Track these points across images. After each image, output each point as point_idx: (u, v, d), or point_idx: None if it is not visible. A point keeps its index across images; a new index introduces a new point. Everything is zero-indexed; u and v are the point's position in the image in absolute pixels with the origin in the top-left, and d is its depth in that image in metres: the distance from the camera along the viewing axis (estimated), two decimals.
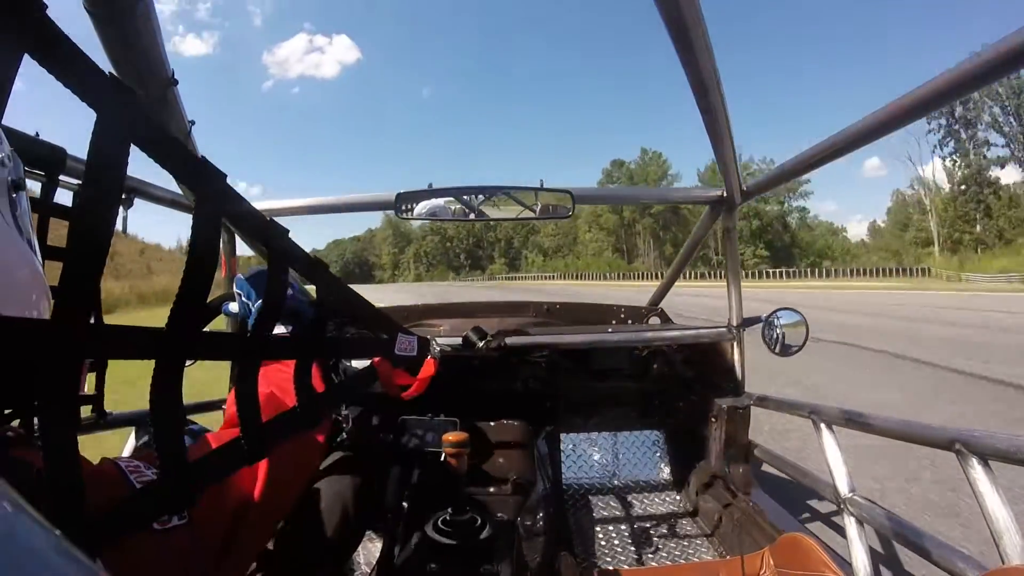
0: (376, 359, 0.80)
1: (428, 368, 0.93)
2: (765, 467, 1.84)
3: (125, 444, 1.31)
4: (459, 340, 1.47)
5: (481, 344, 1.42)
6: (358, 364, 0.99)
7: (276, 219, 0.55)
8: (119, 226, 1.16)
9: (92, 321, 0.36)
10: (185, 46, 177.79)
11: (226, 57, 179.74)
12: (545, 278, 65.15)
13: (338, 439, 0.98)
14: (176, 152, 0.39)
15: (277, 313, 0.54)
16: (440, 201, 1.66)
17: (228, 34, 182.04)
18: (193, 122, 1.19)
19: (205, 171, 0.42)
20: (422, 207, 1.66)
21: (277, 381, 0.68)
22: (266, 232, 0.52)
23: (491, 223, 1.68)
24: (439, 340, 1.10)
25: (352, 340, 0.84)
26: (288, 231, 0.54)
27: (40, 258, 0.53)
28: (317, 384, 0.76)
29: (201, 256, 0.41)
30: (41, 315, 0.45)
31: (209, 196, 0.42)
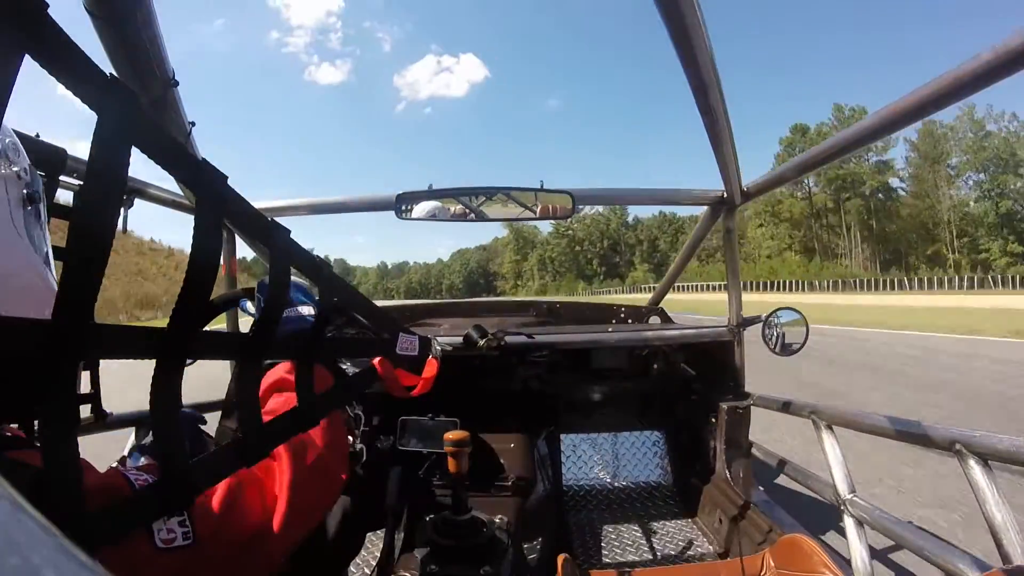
0: (377, 359, 0.80)
1: (431, 367, 0.93)
2: (765, 467, 1.84)
3: (126, 444, 1.31)
4: (460, 339, 1.47)
5: (482, 342, 1.42)
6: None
7: (277, 219, 0.55)
8: (119, 226, 1.17)
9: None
10: (320, 74, 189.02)
11: (360, 83, 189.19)
12: (707, 288, 48.46)
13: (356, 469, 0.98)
14: (177, 154, 0.40)
15: (279, 313, 0.54)
16: (440, 202, 1.66)
17: (360, 61, 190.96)
18: (193, 123, 1.19)
19: (205, 172, 0.42)
20: (422, 208, 1.66)
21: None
22: (268, 232, 0.52)
23: (528, 222, 1.69)
24: (440, 339, 1.10)
25: (354, 340, 0.84)
26: (290, 231, 0.54)
27: (53, 272, 0.54)
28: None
29: (202, 257, 0.41)
30: None
31: (210, 197, 0.43)
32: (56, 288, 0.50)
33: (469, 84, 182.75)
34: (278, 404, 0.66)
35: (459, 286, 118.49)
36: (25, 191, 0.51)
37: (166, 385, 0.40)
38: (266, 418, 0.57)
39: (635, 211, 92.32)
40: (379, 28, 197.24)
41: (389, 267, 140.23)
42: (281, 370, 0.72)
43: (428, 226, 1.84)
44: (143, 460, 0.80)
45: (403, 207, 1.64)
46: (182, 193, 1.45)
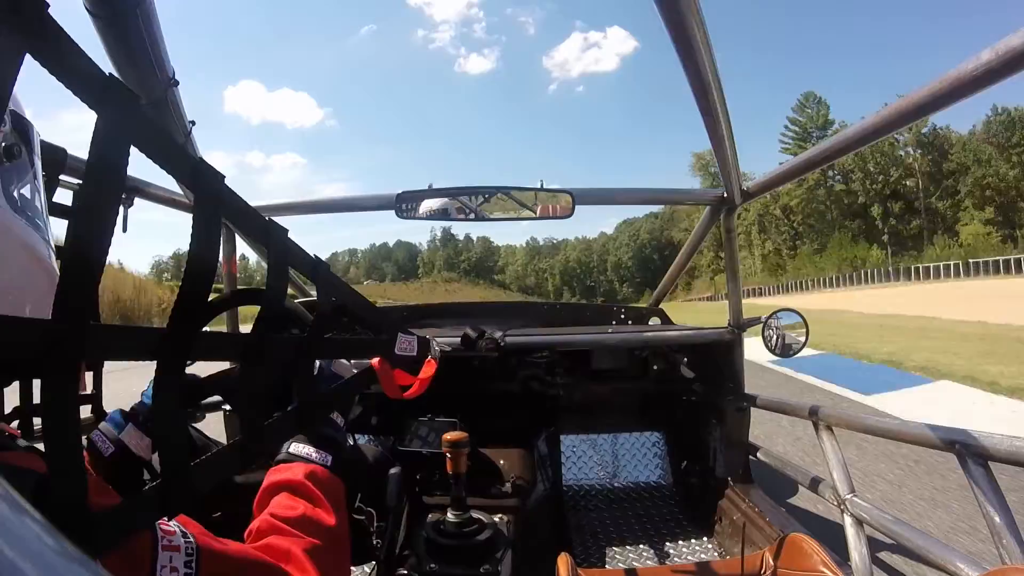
0: (375, 360, 0.80)
1: (429, 368, 0.93)
2: (765, 467, 1.84)
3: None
4: (458, 340, 1.47)
5: (480, 341, 1.42)
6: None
7: (275, 219, 0.55)
8: (120, 225, 1.17)
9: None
10: (469, 65, 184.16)
11: (509, 69, 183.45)
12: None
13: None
14: (175, 153, 0.40)
15: (276, 313, 0.54)
16: (440, 201, 1.66)
17: (506, 48, 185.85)
18: (193, 122, 1.20)
19: (204, 172, 0.42)
20: (422, 207, 1.66)
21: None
22: (266, 232, 0.52)
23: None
24: (439, 340, 1.10)
25: (352, 340, 0.84)
26: (288, 230, 0.54)
27: (50, 242, 0.52)
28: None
29: (201, 256, 0.41)
30: (42, 311, 0.44)
31: (208, 196, 0.43)
32: (54, 266, 0.50)
33: (619, 57, 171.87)
34: (282, 508, 0.60)
35: (628, 263, 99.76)
36: (2, 144, 0.45)
37: (167, 385, 0.41)
38: (262, 518, 0.56)
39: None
40: (521, 13, 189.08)
41: (541, 243, 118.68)
42: (299, 471, 0.65)
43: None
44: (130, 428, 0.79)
45: (403, 206, 1.64)
46: (182, 192, 1.45)
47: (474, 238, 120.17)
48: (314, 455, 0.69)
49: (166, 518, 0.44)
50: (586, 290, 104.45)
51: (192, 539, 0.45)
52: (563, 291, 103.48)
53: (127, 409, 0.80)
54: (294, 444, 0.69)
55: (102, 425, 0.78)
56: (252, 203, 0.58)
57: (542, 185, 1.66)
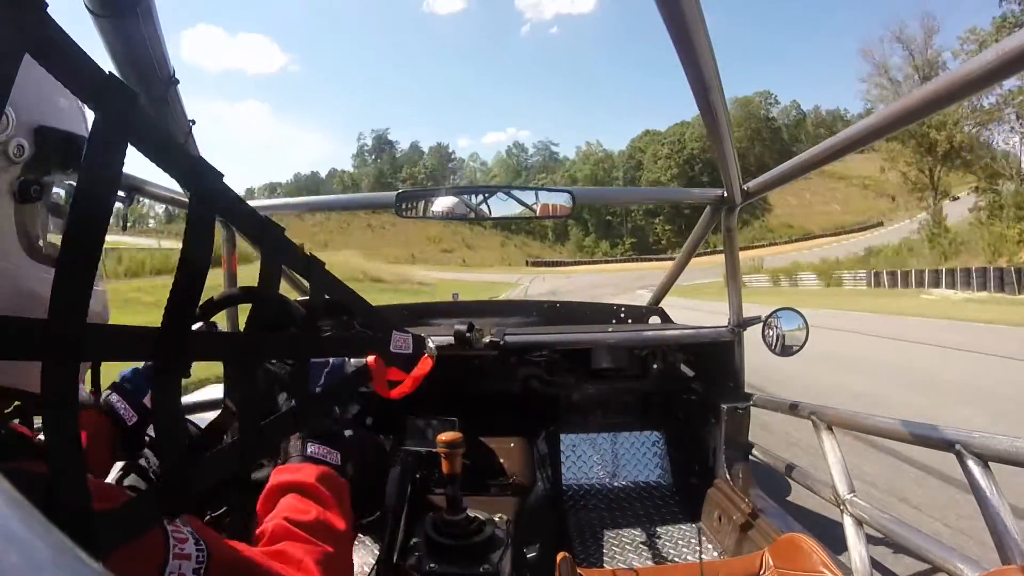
0: (371, 358, 0.80)
1: (422, 367, 0.93)
2: (765, 468, 1.84)
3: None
4: (451, 338, 1.46)
5: (470, 335, 1.41)
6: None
7: (273, 217, 0.55)
8: (120, 224, 1.17)
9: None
10: (438, 5, 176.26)
11: (480, 8, 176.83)
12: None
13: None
14: (172, 151, 0.40)
15: (270, 312, 0.54)
16: (441, 201, 1.66)
17: None
18: (194, 121, 1.20)
19: (200, 169, 0.42)
20: (422, 207, 1.66)
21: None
22: (261, 229, 0.52)
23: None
24: (435, 339, 1.10)
25: (347, 338, 0.84)
26: (284, 228, 0.55)
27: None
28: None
29: (195, 254, 0.41)
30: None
31: (204, 194, 0.43)
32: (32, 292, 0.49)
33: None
34: (294, 511, 0.59)
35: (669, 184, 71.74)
36: (20, 178, 0.44)
37: (165, 384, 0.41)
38: (275, 521, 0.56)
39: None
40: None
41: (530, 152, 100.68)
42: (310, 474, 0.64)
43: None
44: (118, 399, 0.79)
45: (403, 206, 1.64)
46: (183, 191, 1.45)
47: (426, 147, 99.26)
48: (326, 456, 0.69)
49: (180, 523, 0.44)
50: (605, 226, 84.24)
51: (204, 546, 0.44)
52: (569, 227, 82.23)
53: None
54: (310, 446, 0.69)
55: (112, 396, 0.79)
56: (250, 202, 0.58)
57: (542, 186, 1.66)
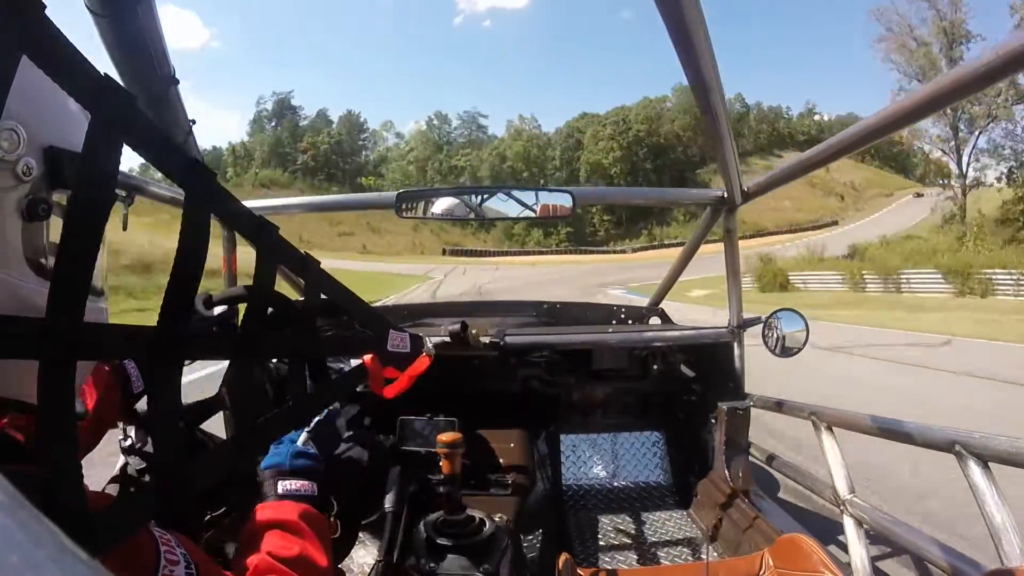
0: (368, 357, 0.80)
1: (418, 365, 0.93)
2: (765, 468, 1.84)
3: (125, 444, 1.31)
4: (447, 338, 1.46)
5: (464, 334, 1.41)
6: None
7: (271, 217, 0.55)
8: (119, 224, 1.17)
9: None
10: None
11: None
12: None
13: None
14: (167, 151, 0.40)
15: (264, 311, 0.54)
16: (441, 201, 1.66)
17: None
18: (194, 121, 1.20)
19: (195, 170, 0.43)
20: (423, 207, 1.66)
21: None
22: (255, 229, 0.52)
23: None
24: (433, 339, 1.10)
25: (345, 337, 0.84)
26: (278, 228, 0.55)
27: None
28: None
29: (189, 255, 0.41)
30: None
31: (198, 194, 0.43)
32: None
33: None
34: (278, 547, 0.60)
35: (612, 168, 72.08)
36: (29, 197, 0.43)
37: (161, 383, 0.41)
38: (259, 556, 0.56)
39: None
40: None
41: (453, 125, 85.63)
42: (292, 511, 0.65)
43: None
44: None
45: (404, 206, 1.64)
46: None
47: (335, 115, 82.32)
48: (300, 489, 0.69)
49: (174, 543, 0.44)
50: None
51: (195, 571, 0.44)
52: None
53: None
54: (281, 483, 0.69)
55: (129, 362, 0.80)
56: (246, 202, 0.58)
57: (543, 186, 1.66)
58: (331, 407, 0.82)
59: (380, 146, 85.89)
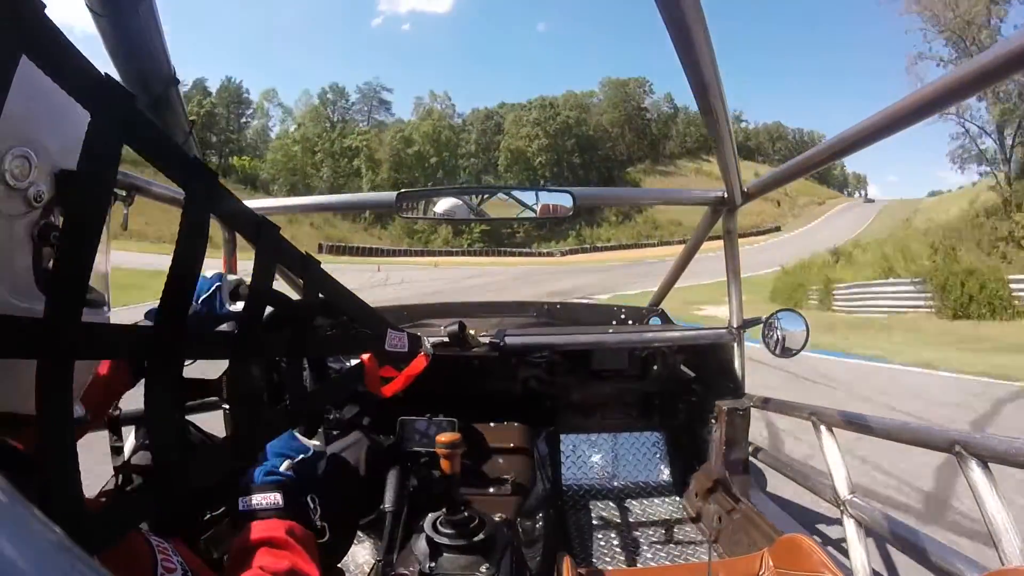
0: (366, 356, 0.80)
1: (416, 365, 0.93)
2: (765, 468, 1.84)
3: (125, 443, 1.31)
4: (446, 338, 1.46)
5: (463, 333, 1.41)
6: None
7: (271, 217, 0.55)
8: (120, 224, 1.17)
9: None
10: None
11: None
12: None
13: None
14: (168, 151, 0.40)
15: (263, 311, 0.54)
16: (441, 201, 1.66)
17: None
18: (193, 121, 1.20)
19: (195, 170, 0.43)
20: (423, 207, 1.66)
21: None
22: (255, 229, 0.52)
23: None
24: (431, 339, 1.09)
25: (342, 337, 0.84)
26: (279, 228, 0.55)
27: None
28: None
29: (188, 253, 0.41)
30: None
31: (198, 194, 0.43)
32: None
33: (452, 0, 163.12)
34: (269, 562, 0.61)
35: (536, 157, 66.37)
36: (41, 222, 0.42)
37: (161, 383, 0.41)
38: (257, 572, 0.56)
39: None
40: None
41: (352, 100, 71.34)
42: (279, 528, 0.67)
43: None
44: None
45: (404, 206, 1.64)
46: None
47: (215, 86, 66.67)
48: (262, 502, 0.69)
49: (170, 551, 0.44)
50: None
51: None
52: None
53: None
54: (242, 500, 0.69)
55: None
56: (246, 202, 0.58)
57: (542, 186, 1.66)
58: (318, 448, 0.81)
59: (261, 120, 71.11)
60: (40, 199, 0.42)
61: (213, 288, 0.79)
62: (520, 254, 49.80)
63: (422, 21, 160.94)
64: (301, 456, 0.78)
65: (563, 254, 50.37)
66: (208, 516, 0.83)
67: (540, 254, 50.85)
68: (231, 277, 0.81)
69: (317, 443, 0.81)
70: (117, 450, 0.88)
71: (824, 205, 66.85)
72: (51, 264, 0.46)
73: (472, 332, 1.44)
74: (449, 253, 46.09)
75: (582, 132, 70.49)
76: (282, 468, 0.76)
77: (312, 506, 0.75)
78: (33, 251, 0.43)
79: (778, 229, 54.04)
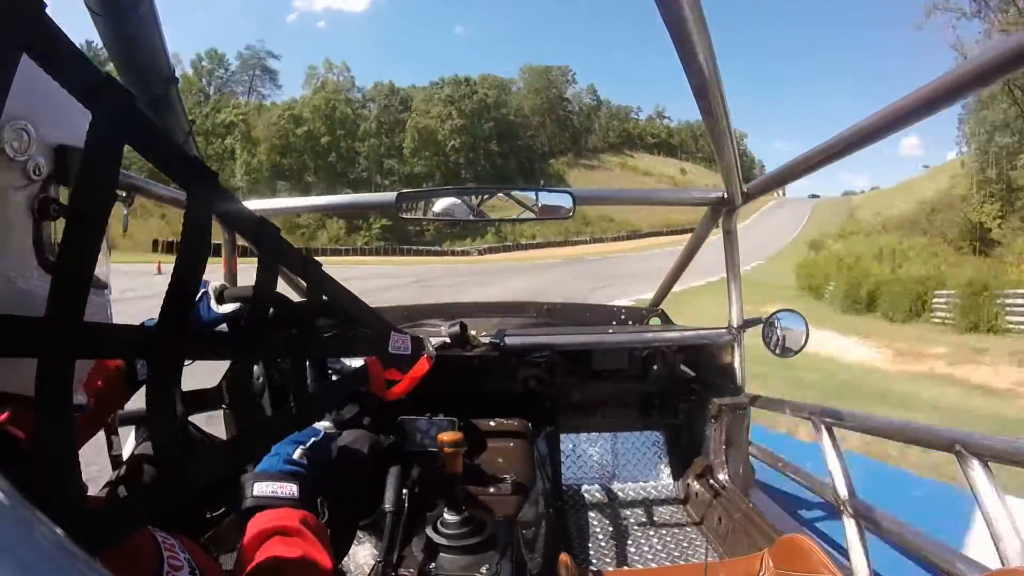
0: (370, 358, 0.80)
1: (420, 368, 0.93)
2: (765, 468, 1.83)
3: (125, 443, 1.31)
4: (447, 339, 1.46)
5: (464, 334, 1.41)
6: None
7: (271, 218, 0.55)
8: (120, 224, 1.16)
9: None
10: None
11: None
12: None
13: None
14: (169, 151, 0.40)
15: (266, 312, 0.54)
16: (441, 201, 1.66)
17: None
18: (193, 121, 1.20)
19: (197, 170, 0.43)
20: (423, 207, 1.67)
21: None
22: (256, 230, 0.52)
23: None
24: (433, 340, 1.09)
25: (345, 338, 0.84)
26: (279, 229, 0.55)
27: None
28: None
29: (191, 253, 0.41)
30: None
31: (200, 195, 0.43)
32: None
33: None
34: (281, 550, 0.61)
35: (448, 145, 58.55)
36: (40, 196, 0.43)
37: (162, 383, 0.41)
38: (266, 560, 0.56)
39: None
40: None
41: (229, 72, 61.12)
42: (293, 517, 0.67)
43: None
44: None
45: (404, 206, 1.64)
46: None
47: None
48: (277, 491, 0.68)
49: (177, 548, 0.44)
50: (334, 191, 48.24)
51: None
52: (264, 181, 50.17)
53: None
54: (257, 485, 0.68)
55: None
56: (246, 203, 0.58)
57: (542, 186, 1.67)
58: (329, 431, 0.81)
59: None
60: (39, 172, 0.42)
61: (200, 293, 0.79)
62: (428, 253, 44.47)
63: (338, 19, 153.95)
64: (312, 440, 0.77)
65: (481, 252, 44.07)
66: (209, 516, 0.83)
67: (454, 253, 45.17)
68: (214, 283, 0.81)
69: (327, 424, 0.81)
70: (115, 457, 0.88)
71: (754, 203, 64.72)
72: (51, 239, 0.46)
73: (473, 333, 1.44)
74: (336, 252, 39.68)
75: (501, 116, 62.79)
76: (296, 455, 0.75)
77: (320, 510, 0.75)
78: (33, 225, 0.43)
79: (716, 227, 51.57)
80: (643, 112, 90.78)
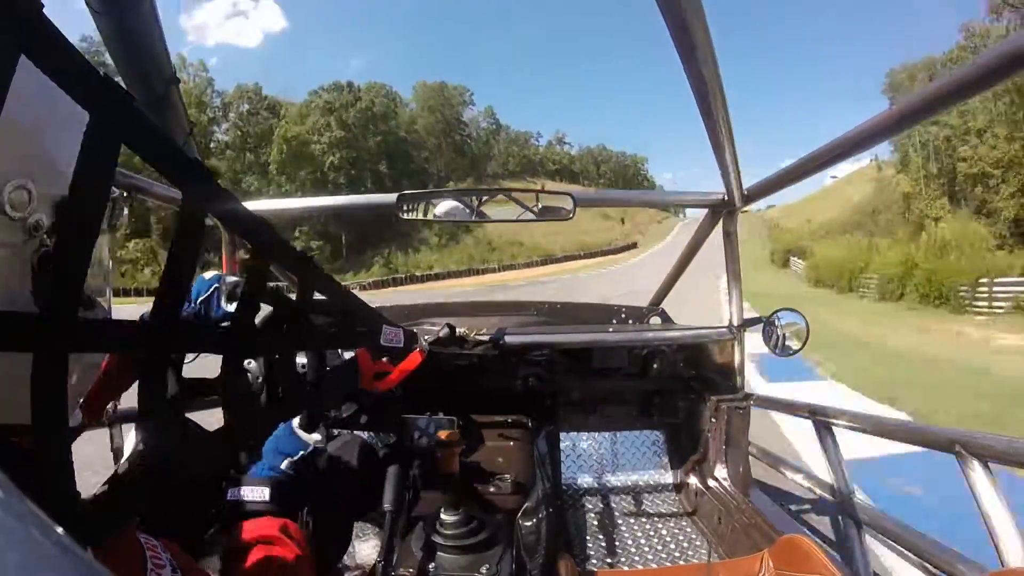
0: (360, 350, 0.81)
1: (411, 361, 0.94)
2: (765, 468, 1.83)
3: (124, 441, 1.31)
4: (444, 335, 1.46)
5: (453, 335, 1.41)
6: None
7: (270, 218, 0.55)
8: (119, 225, 1.16)
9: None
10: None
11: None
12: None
13: None
14: (165, 151, 0.40)
15: (257, 306, 0.55)
16: (442, 202, 1.66)
17: None
18: (194, 123, 1.20)
19: (194, 171, 0.43)
20: (423, 208, 1.66)
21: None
22: (252, 227, 0.53)
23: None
24: (428, 336, 1.09)
25: (337, 331, 0.84)
26: (273, 226, 0.55)
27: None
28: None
29: (183, 251, 0.41)
30: None
31: (195, 194, 0.43)
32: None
33: (264, 34, 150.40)
34: (263, 559, 0.63)
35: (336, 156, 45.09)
36: (41, 250, 0.42)
37: (155, 378, 0.41)
38: (250, 568, 0.57)
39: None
40: None
41: None
42: (273, 526, 0.68)
43: None
44: None
45: (404, 207, 1.64)
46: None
47: None
48: (250, 495, 0.70)
49: (159, 549, 0.44)
50: None
51: None
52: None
53: None
54: (231, 491, 0.70)
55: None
56: (244, 202, 0.58)
57: (543, 188, 1.67)
58: (319, 444, 0.82)
59: None
60: (40, 228, 0.42)
61: (212, 289, 0.80)
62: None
63: (230, 54, 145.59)
64: (301, 453, 0.79)
65: (363, 288, 31.90)
66: (191, 521, 0.83)
67: None
68: (230, 279, 0.81)
69: (318, 437, 0.82)
70: (116, 451, 0.88)
71: (663, 224, 65.63)
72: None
73: (464, 331, 1.44)
74: None
75: (391, 129, 53.12)
76: (283, 466, 0.76)
77: (304, 519, 0.76)
78: (33, 278, 0.43)
79: (635, 246, 50.05)
80: (543, 138, 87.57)
